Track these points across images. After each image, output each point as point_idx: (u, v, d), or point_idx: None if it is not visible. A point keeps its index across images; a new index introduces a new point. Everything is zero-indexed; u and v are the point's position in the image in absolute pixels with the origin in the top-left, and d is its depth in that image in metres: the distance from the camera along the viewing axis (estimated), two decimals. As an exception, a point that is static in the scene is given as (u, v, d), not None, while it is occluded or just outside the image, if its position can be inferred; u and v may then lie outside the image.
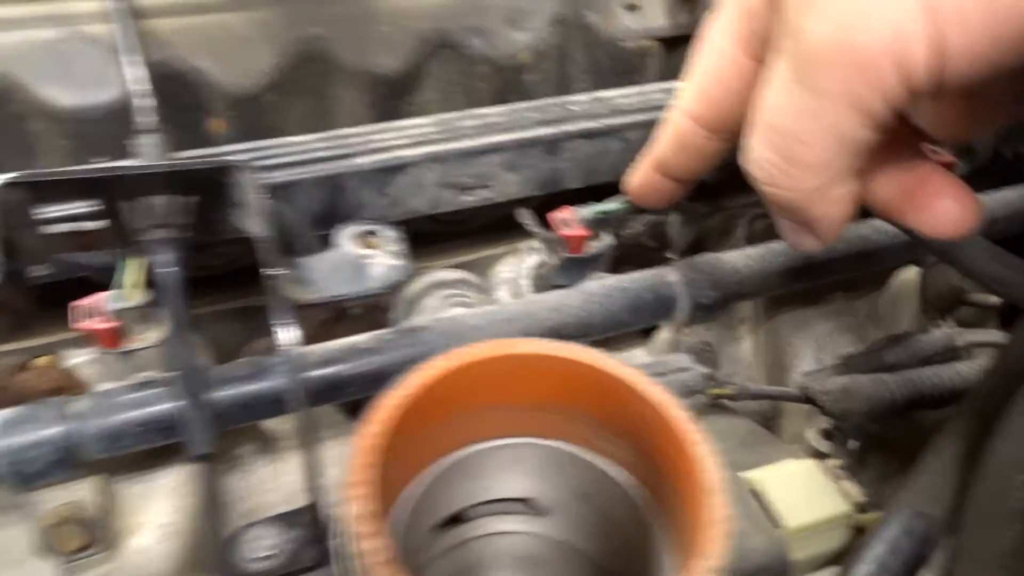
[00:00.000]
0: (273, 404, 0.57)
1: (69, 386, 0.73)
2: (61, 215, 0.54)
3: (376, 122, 0.71)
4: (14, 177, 0.50)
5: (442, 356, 0.43)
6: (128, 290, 0.60)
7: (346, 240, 0.60)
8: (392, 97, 0.78)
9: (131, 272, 0.60)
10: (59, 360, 0.74)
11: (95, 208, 0.55)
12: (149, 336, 0.63)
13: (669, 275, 0.67)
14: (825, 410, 0.70)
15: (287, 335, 0.49)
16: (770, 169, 0.37)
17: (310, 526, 0.61)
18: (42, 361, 0.72)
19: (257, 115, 0.73)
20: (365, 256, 0.59)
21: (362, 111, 0.78)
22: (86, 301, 0.61)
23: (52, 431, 0.54)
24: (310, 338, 0.59)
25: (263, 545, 0.59)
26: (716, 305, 0.68)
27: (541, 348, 0.45)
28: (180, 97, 0.71)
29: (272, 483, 0.74)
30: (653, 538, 0.46)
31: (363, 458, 0.40)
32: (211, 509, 0.46)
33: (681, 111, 0.44)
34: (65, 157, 0.70)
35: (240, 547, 0.60)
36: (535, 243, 0.82)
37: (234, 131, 0.72)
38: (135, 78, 0.62)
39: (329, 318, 0.79)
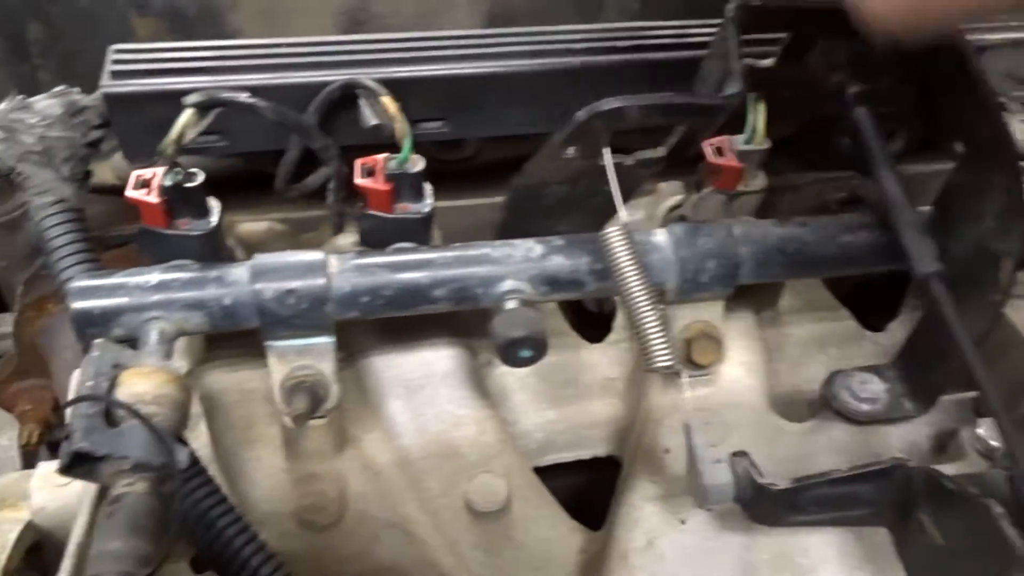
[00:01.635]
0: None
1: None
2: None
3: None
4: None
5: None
6: (756, 134, 0.63)
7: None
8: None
9: (761, 117, 0.62)
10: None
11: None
12: (755, 183, 0.66)
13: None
14: None
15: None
16: None
17: (901, 381, 0.63)
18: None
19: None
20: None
21: None
22: (715, 140, 0.65)
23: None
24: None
25: (869, 388, 0.62)
26: None
27: None
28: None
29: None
30: None
31: None
32: (950, 322, 0.48)
33: None
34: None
35: (846, 387, 0.63)
36: None
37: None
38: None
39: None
